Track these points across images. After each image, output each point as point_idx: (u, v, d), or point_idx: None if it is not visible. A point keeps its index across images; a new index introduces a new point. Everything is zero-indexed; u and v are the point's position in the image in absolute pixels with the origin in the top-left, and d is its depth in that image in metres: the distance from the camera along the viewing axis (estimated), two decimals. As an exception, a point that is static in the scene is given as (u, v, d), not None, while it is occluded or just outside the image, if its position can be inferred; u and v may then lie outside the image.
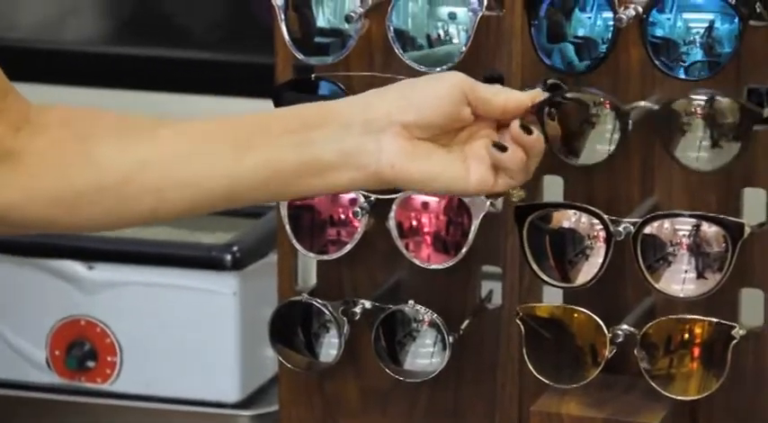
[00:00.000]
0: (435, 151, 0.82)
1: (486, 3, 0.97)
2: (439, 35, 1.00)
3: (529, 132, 0.83)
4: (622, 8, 0.91)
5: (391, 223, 0.99)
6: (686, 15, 0.90)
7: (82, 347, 1.19)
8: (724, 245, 0.86)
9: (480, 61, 0.99)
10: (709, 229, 0.86)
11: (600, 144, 0.96)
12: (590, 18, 0.94)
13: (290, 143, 0.83)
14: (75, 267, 1.20)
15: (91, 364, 1.19)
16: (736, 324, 0.89)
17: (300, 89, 1.05)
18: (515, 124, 0.85)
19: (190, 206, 0.85)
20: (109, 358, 1.19)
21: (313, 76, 1.05)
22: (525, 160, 0.83)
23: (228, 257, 1.19)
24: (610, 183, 0.98)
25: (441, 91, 0.82)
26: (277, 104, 1.03)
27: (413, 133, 0.80)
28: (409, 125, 0.80)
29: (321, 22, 1.03)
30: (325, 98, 1.03)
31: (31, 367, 1.21)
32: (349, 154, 0.80)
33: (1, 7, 1.46)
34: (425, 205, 1.01)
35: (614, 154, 0.95)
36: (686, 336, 0.92)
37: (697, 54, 0.89)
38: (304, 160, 0.82)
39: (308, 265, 1.10)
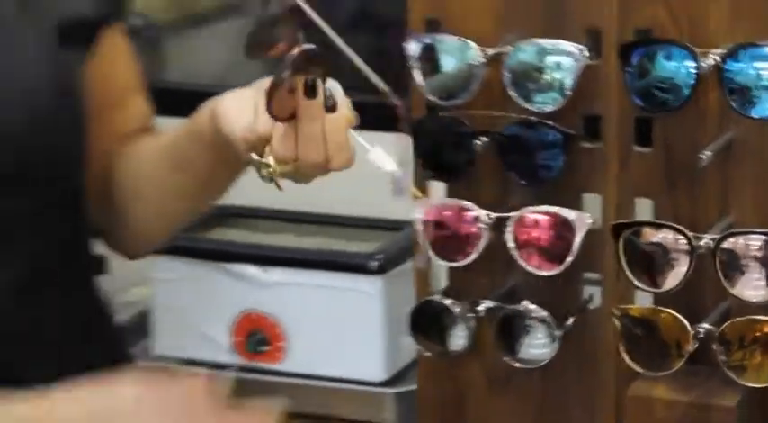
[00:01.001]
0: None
1: (587, 53, 1.00)
2: (548, 81, 1.02)
3: (310, 95, 0.86)
4: (703, 58, 0.94)
5: (508, 237, 1.02)
6: (757, 64, 0.94)
7: (257, 335, 1.28)
8: (790, 257, 0.90)
9: (581, 103, 1.02)
10: (777, 245, 0.91)
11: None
12: (676, 66, 0.97)
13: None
14: (253, 270, 1.28)
15: (265, 348, 1.27)
16: (799, 323, 0.93)
17: (432, 125, 1.09)
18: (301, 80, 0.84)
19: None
20: (279, 344, 1.27)
21: (442, 113, 1.07)
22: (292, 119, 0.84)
23: (375, 263, 1.26)
24: (693, 204, 1.01)
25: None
26: (414, 137, 1.08)
27: None
28: None
29: (447, 68, 1.06)
30: (452, 132, 1.08)
31: (218, 350, 1.29)
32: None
33: (185, 58, 1.52)
34: (536, 222, 1.03)
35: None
36: (757, 333, 0.95)
37: (767, 97, 0.93)
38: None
39: (441, 270, 1.13)
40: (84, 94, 0.98)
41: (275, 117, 0.84)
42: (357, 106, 1.50)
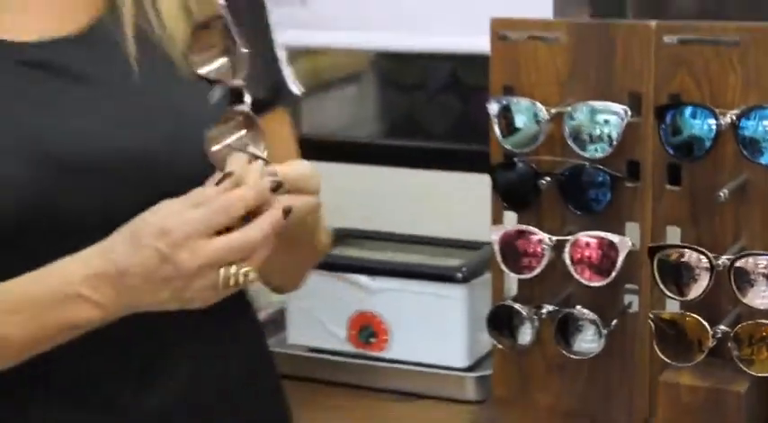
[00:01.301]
0: None
1: (629, 113, 1.05)
2: (598, 134, 1.07)
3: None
4: (721, 117, 1.00)
5: (566, 255, 1.09)
6: (765, 122, 0.99)
7: (367, 329, 1.28)
8: (791, 273, 0.97)
9: (625, 151, 1.08)
10: (779, 263, 0.97)
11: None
12: (699, 123, 1.03)
13: None
14: (365, 279, 1.29)
15: (373, 340, 1.28)
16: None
17: (507, 168, 1.14)
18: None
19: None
20: (384, 337, 1.27)
21: (515, 159, 1.13)
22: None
23: (460, 275, 1.25)
24: (712, 231, 1.07)
25: None
26: (493, 178, 1.13)
27: None
28: None
29: (519, 123, 1.12)
30: (523, 174, 1.11)
31: (337, 341, 1.30)
32: None
33: (314, 112, 1.48)
34: (588, 244, 1.08)
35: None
36: (764, 333, 1.01)
37: (774, 148, 0.97)
38: None
39: (512, 281, 1.19)
40: None
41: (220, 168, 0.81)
42: (446, 152, 1.50)
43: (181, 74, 0.86)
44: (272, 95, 0.96)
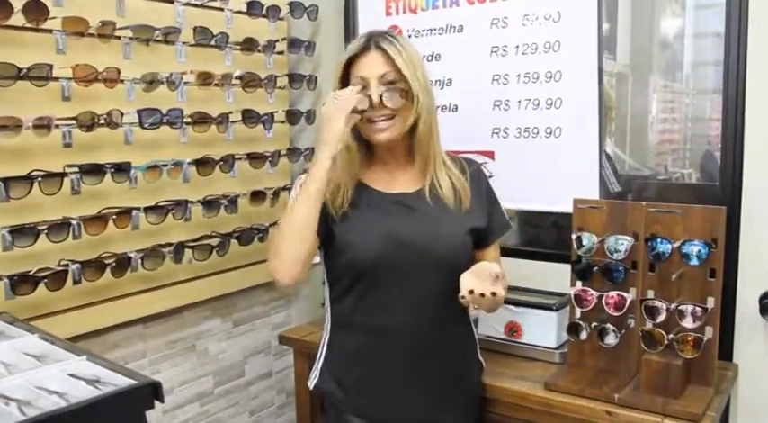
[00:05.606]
0: None
1: (632, 241, 1.20)
2: (618, 249, 1.25)
3: None
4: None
5: (603, 301, 1.24)
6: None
7: (512, 328, 1.40)
8: None
9: (629, 257, 1.23)
10: None
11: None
12: (662, 246, 1.19)
13: None
14: (513, 307, 1.39)
15: (515, 333, 1.40)
16: None
17: (578, 262, 1.29)
18: None
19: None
20: (520, 332, 1.41)
21: (582, 258, 1.27)
22: None
23: (554, 307, 1.39)
24: (668, 292, 1.22)
25: None
26: (572, 266, 1.30)
27: None
28: None
29: (584, 243, 1.27)
30: (587, 266, 1.28)
31: (498, 332, 1.41)
32: None
33: None
34: (613, 296, 1.25)
35: None
36: (689, 338, 1.16)
37: None
38: None
39: (578, 311, 1.29)
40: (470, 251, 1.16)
41: None
42: (553, 254, 1.56)
43: (448, 211, 1.14)
44: (503, 229, 1.26)
